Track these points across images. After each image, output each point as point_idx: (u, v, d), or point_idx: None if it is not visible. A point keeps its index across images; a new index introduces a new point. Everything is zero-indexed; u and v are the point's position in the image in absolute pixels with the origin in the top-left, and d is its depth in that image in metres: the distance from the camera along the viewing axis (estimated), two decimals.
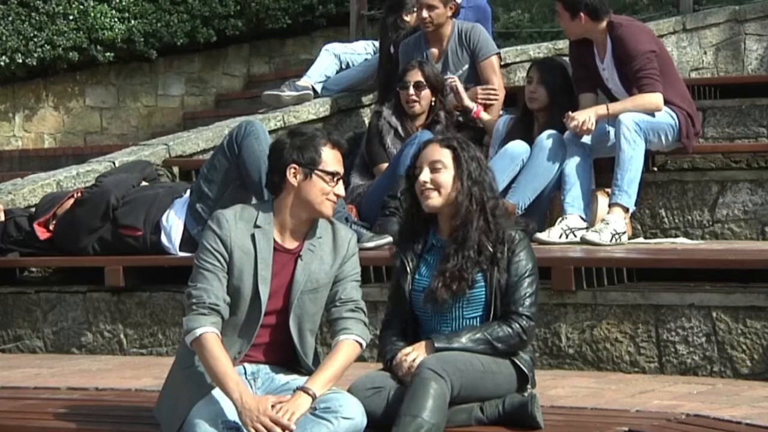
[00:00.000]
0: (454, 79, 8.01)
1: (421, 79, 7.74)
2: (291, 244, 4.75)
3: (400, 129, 7.72)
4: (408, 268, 4.87)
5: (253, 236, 4.69)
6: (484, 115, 7.99)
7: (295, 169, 4.72)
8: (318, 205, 4.72)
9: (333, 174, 4.72)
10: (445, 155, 4.85)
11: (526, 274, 4.78)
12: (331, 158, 4.74)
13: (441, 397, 4.50)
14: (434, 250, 4.89)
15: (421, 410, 4.44)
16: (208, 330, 4.55)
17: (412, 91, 7.73)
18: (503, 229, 4.80)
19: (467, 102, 8.00)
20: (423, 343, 4.74)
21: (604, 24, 7.35)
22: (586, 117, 7.15)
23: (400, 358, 4.71)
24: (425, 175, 4.83)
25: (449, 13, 8.22)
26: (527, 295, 4.77)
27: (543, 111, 7.58)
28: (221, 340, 4.58)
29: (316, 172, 4.70)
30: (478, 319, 4.80)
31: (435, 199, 4.82)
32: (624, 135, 7.08)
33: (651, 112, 7.21)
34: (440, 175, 4.82)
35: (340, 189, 4.75)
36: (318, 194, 4.71)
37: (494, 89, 8.09)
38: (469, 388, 4.63)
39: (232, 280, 4.67)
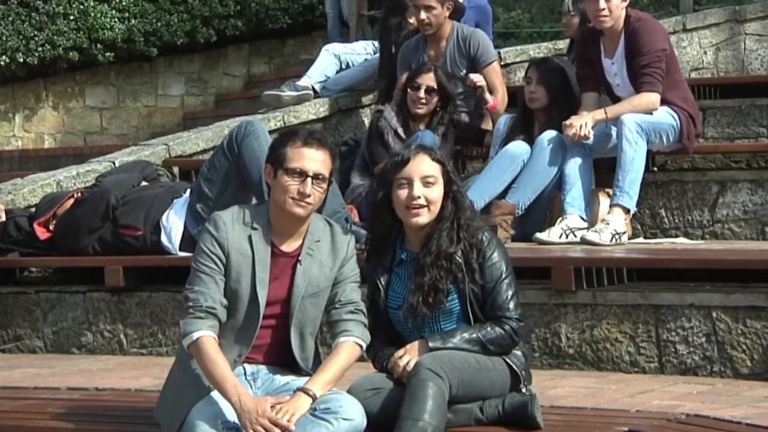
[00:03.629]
0: (480, 79, 8.05)
1: (434, 84, 7.72)
2: (288, 246, 4.72)
3: (400, 130, 7.71)
4: (380, 286, 4.80)
5: (250, 238, 4.66)
6: (496, 113, 8.03)
7: (269, 167, 4.69)
8: (282, 204, 4.62)
9: (296, 172, 4.59)
10: (436, 170, 4.73)
11: (503, 277, 4.72)
12: (298, 156, 4.61)
13: (440, 397, 4.49)
14: (404, 264, 4.81)
15: (422, 413, 4.42)
16: (204, 333, 4.54)
17: (422, 94, 7.70)
18: (473, 236, 4.72)
19: (487, 96, 8.06)
20: (416, 343, 4.71)
21: (623, 14, 7.33)
22: (582, 123, 7.14)
23: (394, 362, 4.69)
24: (418, 190, 4.69)
25: (446, 14, 8.22)
26: (509, 297, 4.72)
27: (543, 111, 7.58)
28: (218, 343, 4.56)
29: (280, 169, 4.63)
30: None
31: (424, 217, 4.71)
32: (626, 136, 7.08)
33: (651, 113, 7.21)
34: (432, 191, 4.71)
35: (305, 187, 4.59)
36: (280, 193, 4.62)
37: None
38: (466, 386, 4.61)
39: (229, 283, 4.65)
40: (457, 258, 4.69)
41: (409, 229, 4.78)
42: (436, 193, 4.72)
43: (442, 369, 4.53)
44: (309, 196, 4.60)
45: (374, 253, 4.86)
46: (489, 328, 4.71)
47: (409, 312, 4.73)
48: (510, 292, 4.73)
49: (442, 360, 4.57)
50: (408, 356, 4.67)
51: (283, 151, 4.64)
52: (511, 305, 4.73)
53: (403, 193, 4.72)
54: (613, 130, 7.25)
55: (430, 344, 4.67)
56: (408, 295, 4.74)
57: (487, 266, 4.72)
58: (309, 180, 4.60)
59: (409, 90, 7.76)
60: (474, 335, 4.70)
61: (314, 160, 4.63)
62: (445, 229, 4.71)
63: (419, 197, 4.69)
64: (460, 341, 4.68)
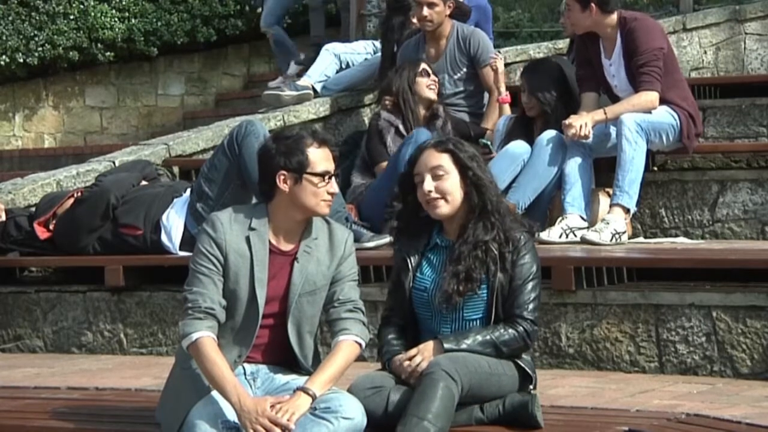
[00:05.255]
0: (497, 58, 8.17)
1: (428, 68, 7.88)
2: (286, 245, 4.73)
3: (401, 127, 7.72)
4: (410, 266, 4.82)
5: (248, 238, 4.67)
6: (505, 107, 8.04)
7: (284, 175, 4.67)
8: (314, 207, 4.67)
9: (323, 174, 4.65)
10: (444, 160, 4.75)
11: (530, 278, 4.74)
12: (319, 158, 4.66)
13: (450, 399, 4.49)
14: (438, 250, 4.84)
15: (427, 412, 4.42)
16: (204, 334, 4.54)
17: (431, 78, 7.85)
18: (508, 230, 4.75)
19: (502, 86, 8.11)
20: (430, 343, 4.70)
21: (614, 17, 7.32)
22: (582, 123, 7.14)
23: (402, 362, 4.69)
24: (428, 184, 4.73)
25: (447, 11, 8.24)
26: (531, 299, 4.74)
27: (539, 115, 7.59)
28: (218, 344, 4.57)
29: (305, 175, 4.65)
30: (478, 321, 4.77)
31: (443, 208, 4.74)
32: (625, 135, 7.07)
33: (650, 112, 7.20)
34: (444, 182, 4.73)
35: (332, 187, 4.68)
36: (311, 197, 4.65)
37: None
38: (475, 389, 4.62)
39: (228, 284, 4.65)
40: (493, 250, 4.70)
41: (443, 220, 4.80)
42: (450, 183, 4.74)
43: (457, 372, 4.53)
44: (335, 193, 4.69)
45: (407, 236, 4.87)
46: (502, 330, 4.72)
47: (444, 299, 4.73)
48: (533, 295, 4.75)
49: (457, 362, 4.57)
50: (420, 357, 4.67)
51: (303, 157, 4.65)
52: (530, 307, 4.74)
53: (419, 190, 4.76)
54: (613, 130, 7.25)
55: (445, 345, 4.66)
56: (442, 282, 4.75)
57: (518, 264, 4.74)
58: (333, 179, 4.68)
59: (419, 80, 7.80)
60: (488, 337, 4.70)
61: (330, 159, 4.71)
62: (477, 218, 4.74)
63: (430, 191, 4.72)
64: (474, 343, 4.68)
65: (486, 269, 4.72)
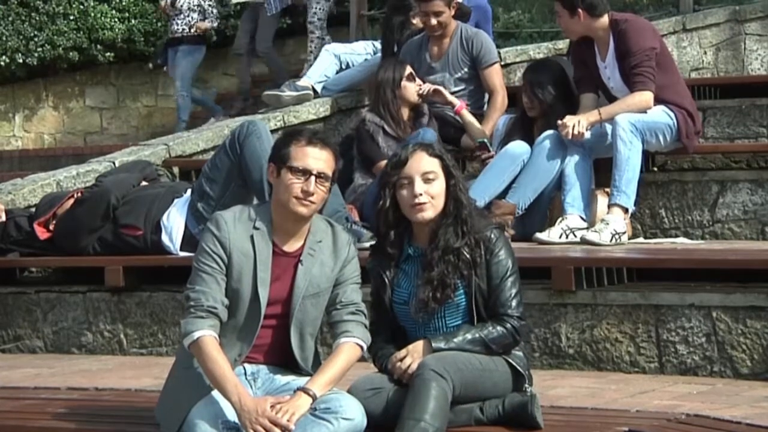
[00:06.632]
0: (431, 87, 8.01)
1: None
2: (290, 247, 4.72)
3: (386, 127, 7.72)
4: (386, 281, 4.81)
5: (252, 238, 4.67)
6: (466, 114, 8.02)
7: (272, 165, 4.70)
8: (286, 202, 4.62)
9: (300, 170, 4.60)
10: (436, 165, 4.76)
11: (508, 274, 4.74)
12: (302, 154, 4.62)
13: (443, 398, 4.50)
14: (412, 260, 4.82)
15: (423, 413, 4.43)
16: (205, 333, 4.54)
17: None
18: (478, 231, 4.75)
19: (451, 98, 8.07)
20: (420, 343, 4.71)
21: (604, 21, 7.34)
22: (575, 122, 7.15)
23: (395, 363, 4.70)
24: (420, 187, 4.72)
25: (452, 13, 8.27)
26: (512, 295, 4.74)
27: (540, 115, 7.60)
28: (219, 343, 4.57)
29: (283, 168, 4.63)
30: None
31: (429, 212, 4.74)
32: (620, 136, 7.08)
33: (645, 112, 7.21)
34: (434, 187, 4.74)
35: (308, 186, 4.59)
36: (284, 191, 4.62)
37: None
38: (468, 387, 4.62)
39: (231, 283, 4.65)
40: (465, 254, 4.71)
41: (416, 225, 4.80)
42: (438, 187, 4.74)
43: (446, 370, 4.53)
44: (312, 194, 4.61)
45: (380, 249, 4.87)
46: (491, 327, 4.72)
47: (420, 307, 4.73)
48: (513, 291, 4.75)
49: (446, 361, 4.57)
50: (410, 358, 4.67)
51: (287, 150, 4.65)
52: (514, 303, 4.74)
53: (405, 192, 4.74)
54: (610, 130, 7.25)
55: (434, 345, 4.67)
56: (417, 290, 4.75)
57: (493, 263, 4.74)
58: (312, 179, 4.61)
59: (406, 84, 7.79)
60: (476, 335, 4.70)
61: (318, 159, 4.64)
62: (450, 224, 4.74)
63: (421, 194, 4.72)
64: (463, 341, 4.69)
65: (459, 274, 4.72)
